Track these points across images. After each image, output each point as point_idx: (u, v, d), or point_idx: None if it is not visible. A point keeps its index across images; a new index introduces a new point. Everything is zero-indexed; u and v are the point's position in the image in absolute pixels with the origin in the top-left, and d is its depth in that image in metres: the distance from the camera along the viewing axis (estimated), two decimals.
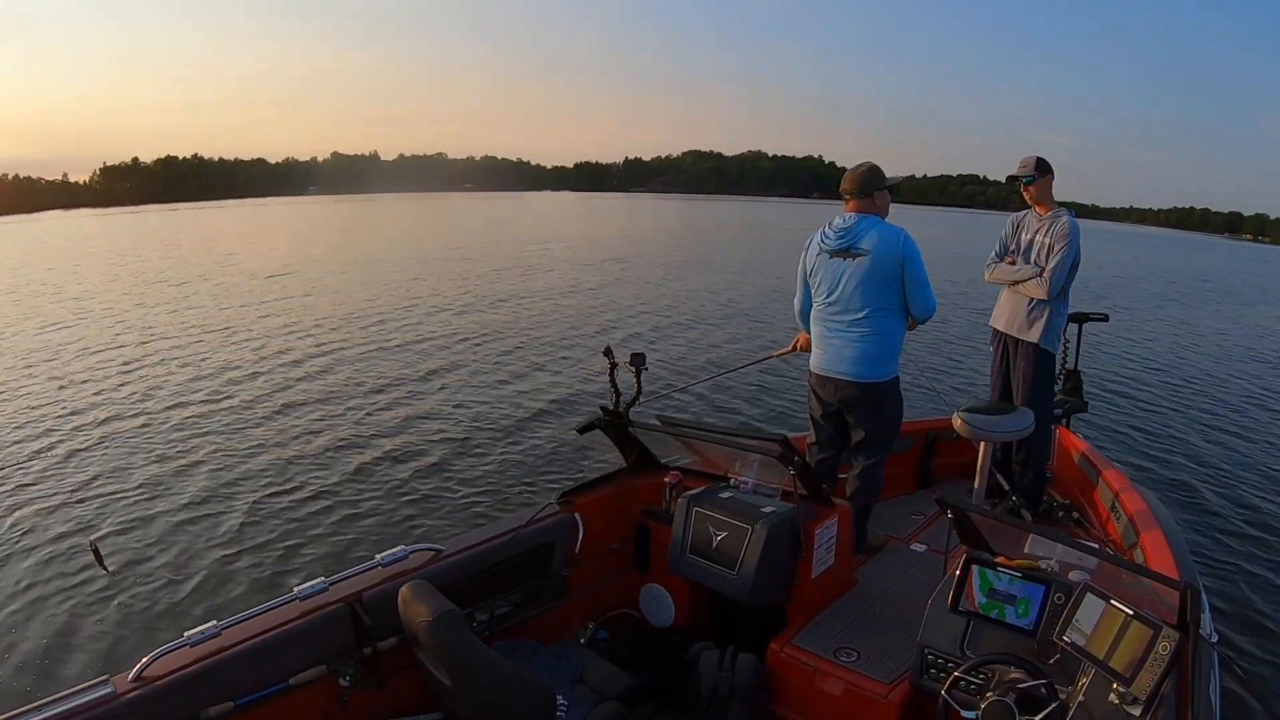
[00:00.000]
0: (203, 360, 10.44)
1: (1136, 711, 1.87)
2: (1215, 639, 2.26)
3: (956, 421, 3.84)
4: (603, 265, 23.23)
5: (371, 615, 2.41)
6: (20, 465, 6.54)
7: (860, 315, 3.30)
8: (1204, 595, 2.17)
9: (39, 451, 6.90)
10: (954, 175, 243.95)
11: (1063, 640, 2.04)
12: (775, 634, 2.77)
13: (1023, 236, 4.03)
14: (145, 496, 5.89)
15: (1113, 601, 1.98)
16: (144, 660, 2.04)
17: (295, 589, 2.38)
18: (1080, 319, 4.40)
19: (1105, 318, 4.48)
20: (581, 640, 3.03)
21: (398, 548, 2.63)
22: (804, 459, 2.77)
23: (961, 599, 2.27)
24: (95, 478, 6.26)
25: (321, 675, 2.28)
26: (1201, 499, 6.39)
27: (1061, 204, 3.99)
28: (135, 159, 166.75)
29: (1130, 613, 1.94)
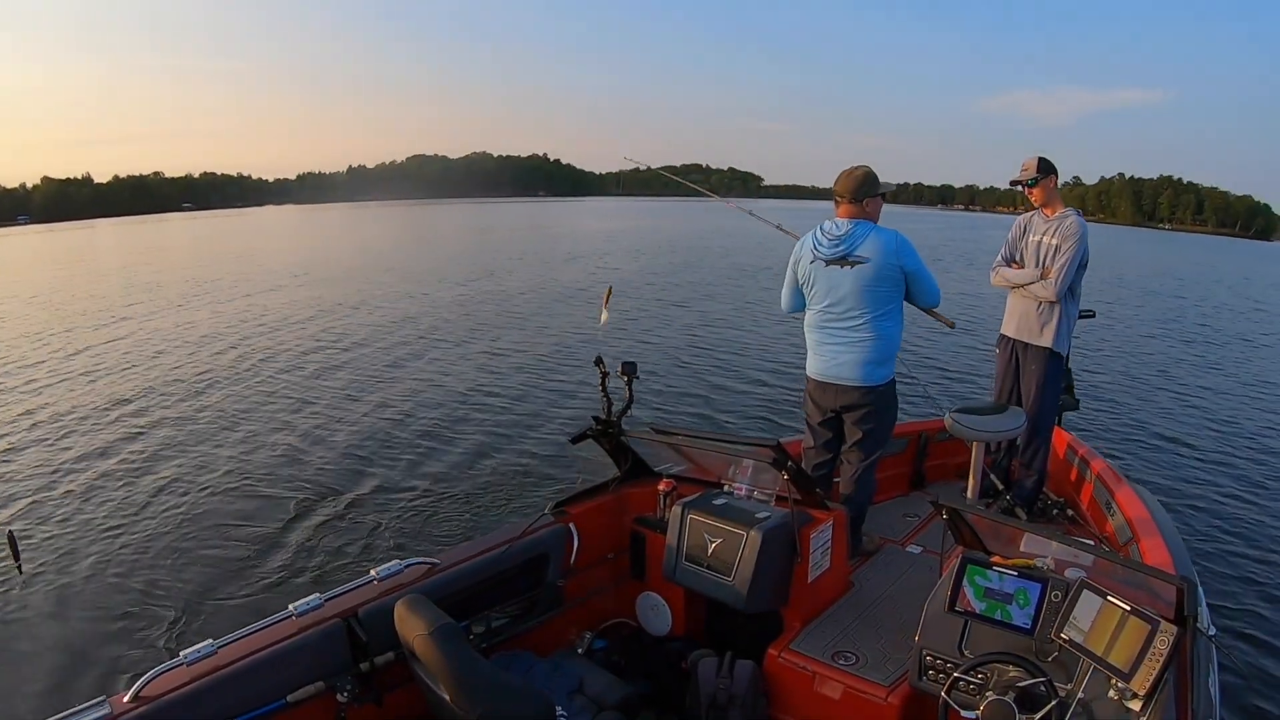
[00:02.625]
0: (186, 366, 10.41)
1: (1136, 706, 1.87)
2: (1213, 632, 2.26)
3: (949, 422, 3.85)
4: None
5: (368, 630, 2.40)
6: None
7: (861, 321, 3.30)
8: (1200, 589, 2.18)
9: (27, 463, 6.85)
10: (677, 165, 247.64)
11: (1061, 638, 2.04)
12: (773, 639, 2.77)
13: (1030, 238, 4.00)
14: (140, 516, 5.84)
15: (1109, 598, 1.99)
16: (141, 680, 2.03)
17: (291, 606, 2.37)
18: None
19: (1092, 314, 4.50)
20: (579, 650, 3.02)
21: (393, 562, 2.62)
22: (797, 464, 2.77)
23: (958, 600, 2.27)
24: (86, 497, 6.22)
25: (319, 691, 2.27)
26: (1194, 491, 6.43)
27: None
28: None
29: (1127, 609, 1.94)
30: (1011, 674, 2.02)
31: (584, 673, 2.66)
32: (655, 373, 10.08)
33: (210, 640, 2.18)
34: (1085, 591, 2.04)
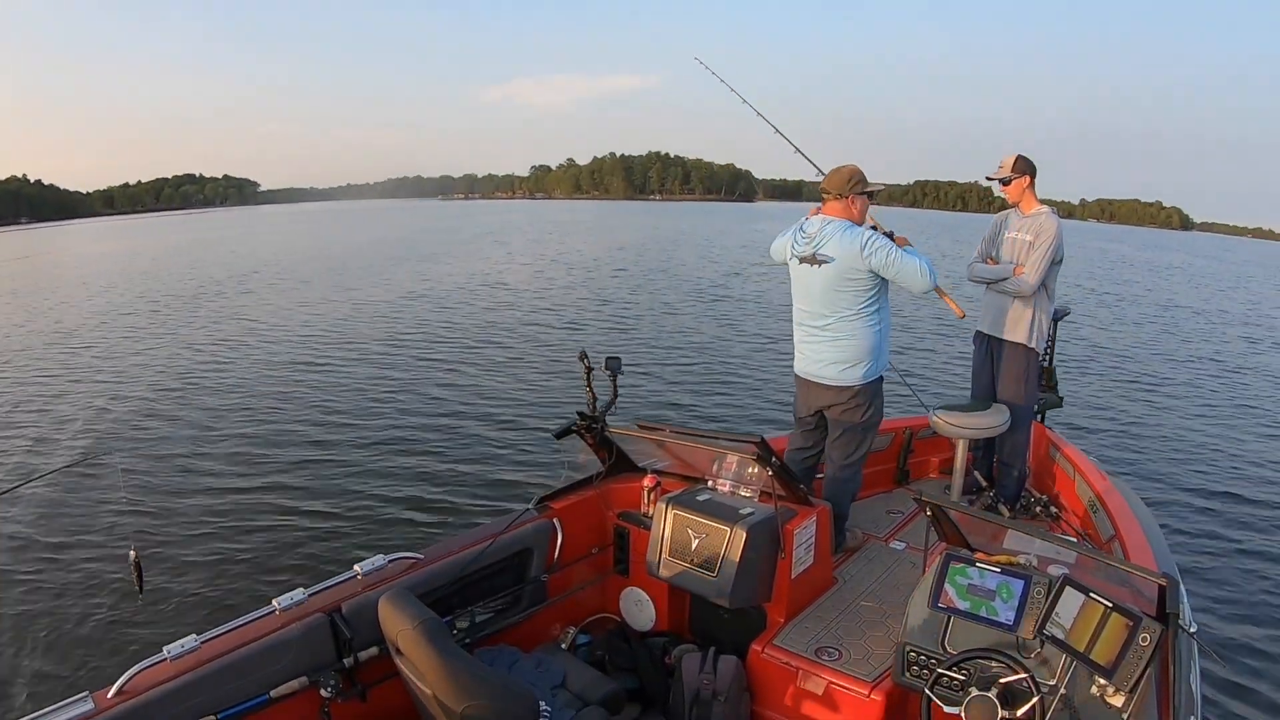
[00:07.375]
0: (160, 368, 10.32)
1: (1118, 702, 1.89)
2: (1194, 629, 2.28)
3: (933, 420, 3.86)
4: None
5: (352, 625, 2.38)
6: None
7: (831, 321, 3.30)
8: (1182, 586, 2.20)
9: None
10: (170, 177, 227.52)
11: (1043, 634, 2.05)
12: (756, 635, 2.77)
13: (1004, 235, 4.03)
14: (120, 509, 5.78)
15: (1092, 594, 2.00)
16: (124, 676, 2.02)
17: (274, 601, 2.36)
18: (1056, 315, 4.42)
19: (1067, 312, 4.53)
20: (562, 645, 3.01)
21: (376, 556, 2.61)
22: (781, 459, 2.77)
23: (940, 596, 2.28)
24: (70, 489, 6.15)
25: (303, 687, 2.26)
26: (1176, 488, 6.49)
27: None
28: None
29: (1110, 605, 1.96)
30: (994, 670, 2.03)
31: (568, 668, 2.66)
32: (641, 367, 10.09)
33: (193, 635, 2.17)
34: (1068, 588, 2.05)
